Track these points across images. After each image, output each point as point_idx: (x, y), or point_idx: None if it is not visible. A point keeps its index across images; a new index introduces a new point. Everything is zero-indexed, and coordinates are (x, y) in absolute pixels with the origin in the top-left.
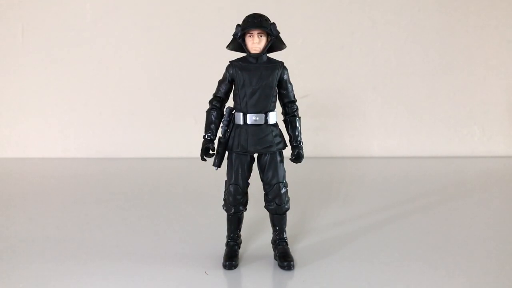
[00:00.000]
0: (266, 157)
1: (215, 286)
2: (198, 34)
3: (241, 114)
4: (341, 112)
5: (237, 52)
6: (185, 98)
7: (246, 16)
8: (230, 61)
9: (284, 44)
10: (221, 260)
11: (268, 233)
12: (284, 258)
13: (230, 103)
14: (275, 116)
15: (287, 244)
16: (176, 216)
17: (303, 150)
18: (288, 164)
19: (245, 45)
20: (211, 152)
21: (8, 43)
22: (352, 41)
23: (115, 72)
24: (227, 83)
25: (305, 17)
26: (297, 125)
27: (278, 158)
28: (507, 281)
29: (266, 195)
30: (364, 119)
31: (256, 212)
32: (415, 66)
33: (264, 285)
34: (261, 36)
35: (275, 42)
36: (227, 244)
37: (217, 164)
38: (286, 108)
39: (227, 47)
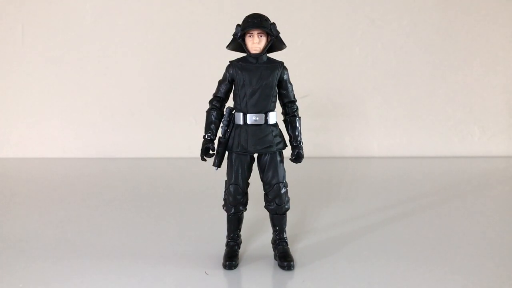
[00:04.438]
0: (266, 157)
1: (215, 286)
2: (198, 34)
3: (241, 114)
4: (341, 112)
5: (237, 52)
6: (185, 98)
7: (246, 16)
8: (230, 61)
9: (284, 44)
10: (221, 260)
11: (268, 233)
12: (284, 258)
13: (230, 103)
14: (275, 116)
15: (287, 244)
16: (176, 216)
17: (303, 150)
18: (288, 164)
19: (245, 45)
20: (211, 152)
21: (8, 43)
22: (352, 41)
23: (115, 72)
24: (227, 83)
25: (305, 17)
26: (297, 125)
27: (278, 158)
28: (507, 281)
29: (266, 195)
30: (364, 119)
31: (256, 212)
32: (415, 66)
33: (264, 285)
34: (261, 36)
35: (275, 42)
36: (227, 244)
37: (217, 164)
38: (286, 108)
39: (227, 47)
